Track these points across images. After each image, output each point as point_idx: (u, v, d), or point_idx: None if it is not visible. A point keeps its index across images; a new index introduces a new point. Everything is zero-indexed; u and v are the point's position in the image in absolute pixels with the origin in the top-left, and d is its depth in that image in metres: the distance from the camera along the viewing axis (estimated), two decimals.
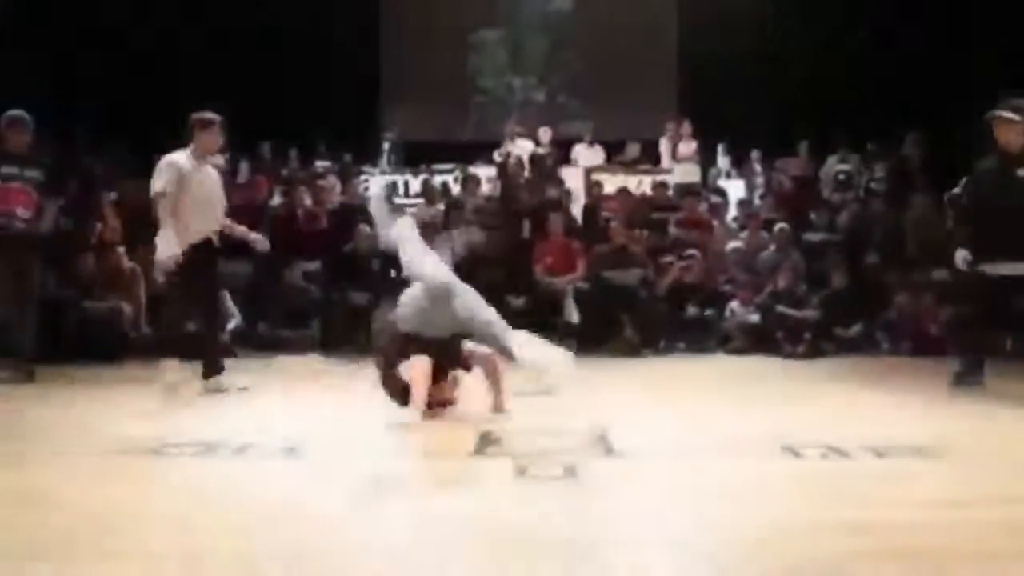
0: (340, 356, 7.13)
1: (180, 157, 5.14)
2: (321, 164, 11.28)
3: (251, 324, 7.50)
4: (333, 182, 9.83)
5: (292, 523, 2.48)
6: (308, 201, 8.95)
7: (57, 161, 8.01)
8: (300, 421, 4.13)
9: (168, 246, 4.94)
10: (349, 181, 9.81)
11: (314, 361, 6.95)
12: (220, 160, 11.07)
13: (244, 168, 10.39)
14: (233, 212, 5.62)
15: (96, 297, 7.03)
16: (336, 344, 7.46)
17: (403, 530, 2.45)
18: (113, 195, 7.96)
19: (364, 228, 8.03)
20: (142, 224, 7.83)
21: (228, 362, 6.74)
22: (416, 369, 3.96)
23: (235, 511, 2.61)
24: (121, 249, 7.35)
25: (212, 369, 5.16)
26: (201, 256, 5.09)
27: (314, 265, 8.14)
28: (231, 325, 7.24)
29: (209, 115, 5.33)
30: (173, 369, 5.03)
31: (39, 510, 2.61)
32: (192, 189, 5.08)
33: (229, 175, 10.54)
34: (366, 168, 11.66)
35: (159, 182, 5.04)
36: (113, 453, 3.39)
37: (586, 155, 11.64)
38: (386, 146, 12.19)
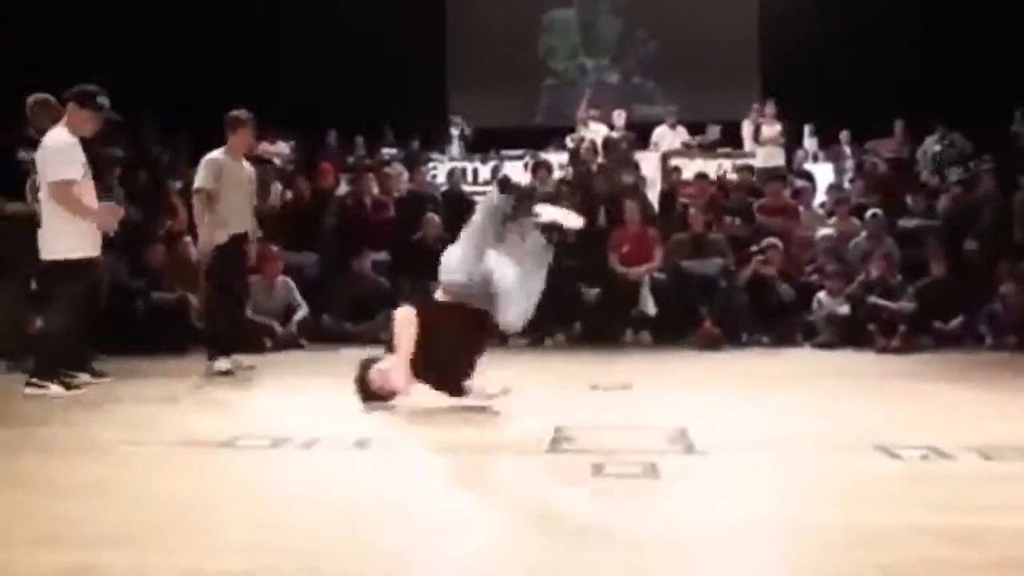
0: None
1: (218, 155, 5.64)
2: (388, 151, 11.41)
3: (317, 315, 7.63)
4: (400, 170, 9.93)
5: (365, 519, 2.51)
6: (375, 190, 9.05)
7: (127, 152, 8.28)
8: (368, 415, 4.18)
9: (206, 239, 5.47)
10: (417, 169, 9.88)
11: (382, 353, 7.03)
12: (286, 148, 11.33)
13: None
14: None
15: (165, 288, 7.23)
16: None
17: (479, 529, 2.46)
18: (179, 184, 8.18)
19: (432, 217, 8.08)
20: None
21: (295, 354, 6.92)
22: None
23: (305, 505, 2.65)
24: (188, 239, 7.55)
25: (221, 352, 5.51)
26: (234, 250, 5.57)
27: (382, 255, 8.23)
28: (298, 316, 7.38)
29: (240, 114, 5.74)
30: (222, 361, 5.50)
31: (113, 500, 2.70)
32: (230, 186, 5.55)
33: (295, 163, 10.76)
34: (434, 155, 11.74)
35: (198, 179, 5.55)
36: (181, 445, 3.49)
37: (669, 138, 11.49)
38: (454, 132, 12.26)
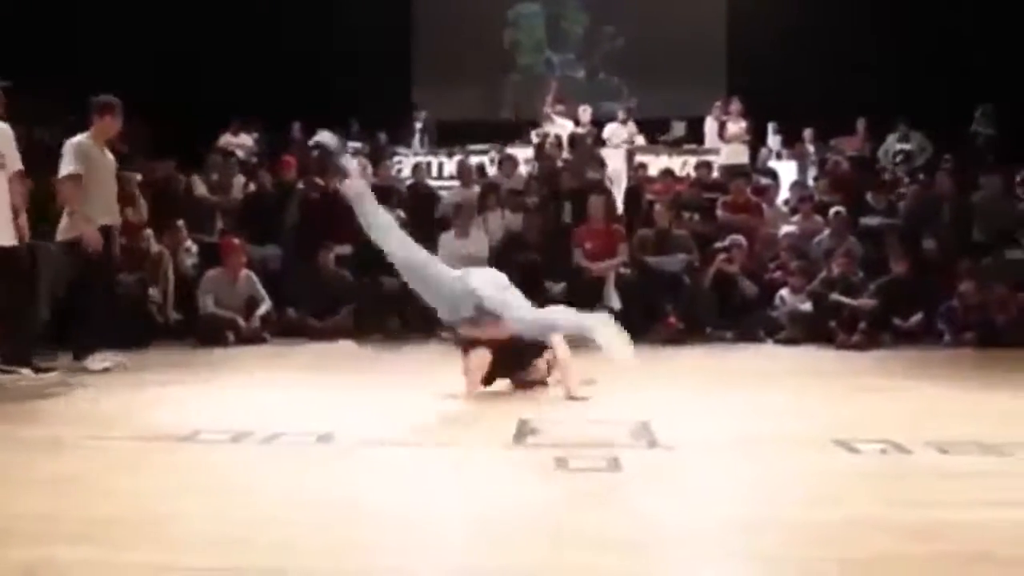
0: (372, 342, 7.18)
1: (83, 139, 5.42)
2: (352, 145, 11.34)
3: (281, 310, 7.57)
4: (365, 163, 9.88)
5: (330, 513, 2.50)
6: (339, 183, 8.98)
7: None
8: (332, 408, 4.16)
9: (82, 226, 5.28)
10: (382, 163, 9.84)
11: (346, 347, 7.01)
12: (249, 140, 11.22)
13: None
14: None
15: (124, 281, 7.13)
16: (368, 330, 7.52)
17: (444, 522, 2.46)
18: (139, 177, 8.06)
19: (399, 212, 8.06)
20: (168, 207, 7.97)
21: (258, 348, 6.86)
22: (473, 359, 4.44)
23: (268, 498, 2.64)
24: (149, 232, 7.45)
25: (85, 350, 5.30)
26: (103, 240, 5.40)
27: (346, 249, 8.19)
28: (261, 311, 7.31)
29: (109, 99, 5.54)
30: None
31: (74, 496, 2.67)
32: (96, 173, 5.38)
33: (258, 155, 10.65)
34: (400, 149, 11.69)
35: (67, 165, 5.31)
36: (143, 440, 3.45)
37: (620, 133, 11.55)
38: (419, 126, 12.22)
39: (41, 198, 5.73)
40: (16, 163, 4.96)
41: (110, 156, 5.63)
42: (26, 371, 4.78)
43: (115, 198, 5.68)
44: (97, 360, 5.35)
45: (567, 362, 4.47)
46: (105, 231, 5.49)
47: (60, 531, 2.31)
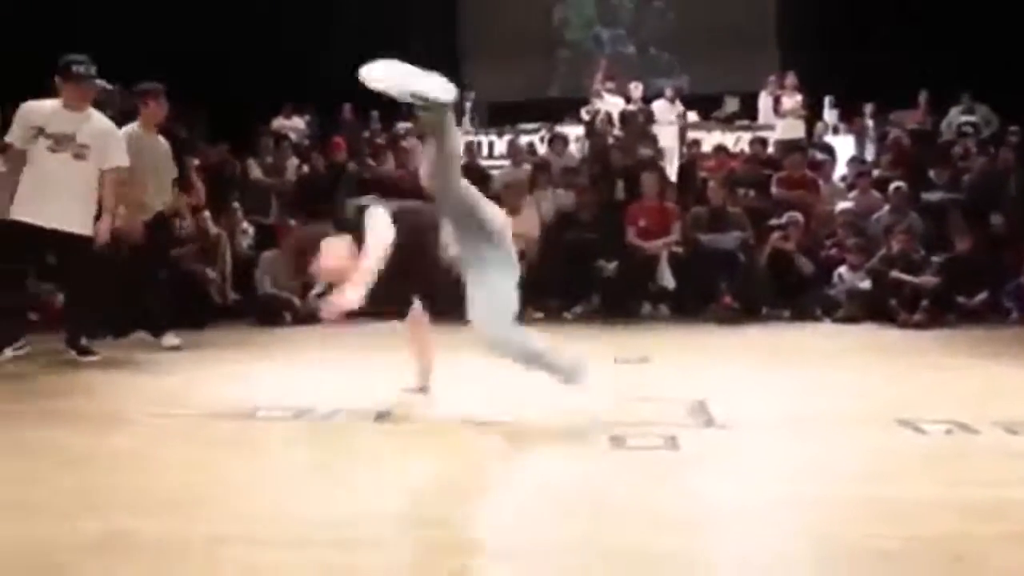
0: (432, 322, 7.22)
1: (133, 128, 5.53)
2: (403, 125, 11.39)
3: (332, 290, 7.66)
4: (415, 143, 9.93)
5: (386, 486, 2.54)
6: (391, 164, 9.07)
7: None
8: (390, 386, 4.21)
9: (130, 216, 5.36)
10: None
11: (399, 327, 7.07)
12: (301, 123, 11.34)
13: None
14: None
15: (184, 262, 7.29)
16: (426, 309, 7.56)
17: (500, 500, 2.49)
18: (196, 161, 8.21)
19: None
20: (223, 190, 8.11)
21: (314, 328, 6.96)
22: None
23: (330, 473, 2.69)
24: (207, 214, 7.59)
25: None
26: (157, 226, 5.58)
27: None
28: (316, 290, 7.41)
29: (150, 85, 5.65)
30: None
31: (138, 470, 2.75)
32: (145, 161, 5.46)
33: (310, 138, 10.77)
34: None
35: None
36: (204, 416, 3.54)
37: (667, 112, 11.42)
38: (468, 105, 12.22)
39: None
40: (113, 159, 5.08)
41: (162, 141, 5.72)
42: (88, 357, 4.95)
43: (168, 183, 5.79)
44: (169, 337, 5.52)
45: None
46: (158, 217, 5.62)
47: (131, 504, 2.39)
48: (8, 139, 5.06)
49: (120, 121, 5.42)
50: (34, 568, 1.95)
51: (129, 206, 5.46)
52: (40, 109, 4.99)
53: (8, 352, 4.92)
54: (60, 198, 4.91)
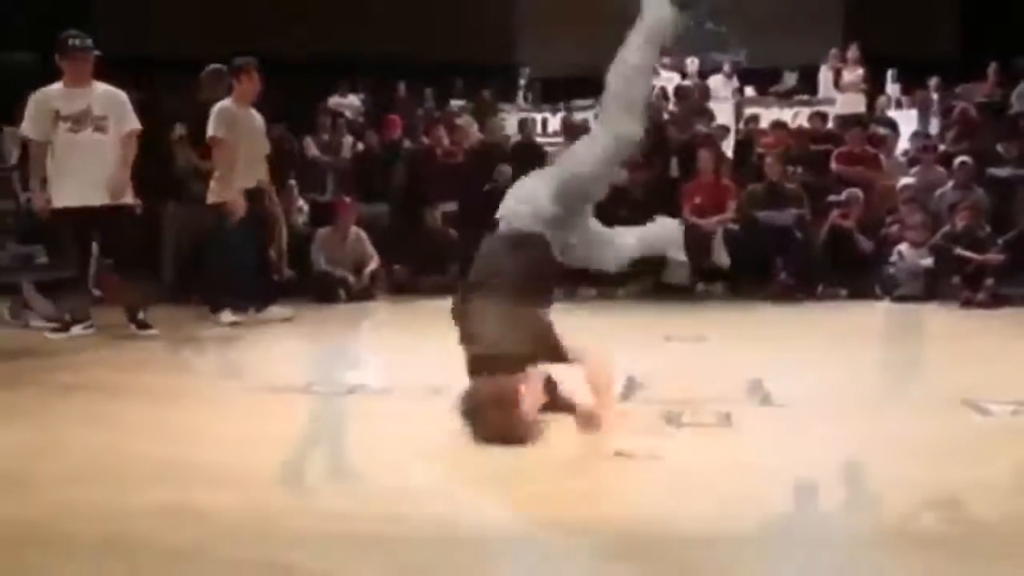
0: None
1: (228, 103, 5.64)
2: (456, 103, 11.39)
3: (389, 267, 7.72)
4: (470, 121, 9.92)
5: (437, 460, 2.56)
6: (445, 141, 9.07)
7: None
8: (442, 364, 4.23)
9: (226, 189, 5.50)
10: (487, 119, 9.85)
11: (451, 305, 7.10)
12: (356, 101, 11.39)
13: None
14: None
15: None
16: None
17: (554, 473, 2.49)
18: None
19: (504, 167, 8.07)
20: (281, 168, 8.19)
21: (368, 305, 7.04)
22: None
23: (385, 447, 2.72)
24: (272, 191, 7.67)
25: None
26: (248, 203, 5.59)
27: (452, 207, 8.26)
28: (370, 268, 7.48)
29: (243, 60, 5.72)
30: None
31: (207, 442, 2.82)
32: (241, 136, 5.57)
33: (365, 115, 10.82)
34: (503, 106, 11.67)
35: (211, 127, 5.54)
36: (263, 391, 3.60)
37: (724, 88, 11.21)
38: (522, 82, 12.16)
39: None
40: (127, 123, 5.14)
41: (256, 117, 5.81)
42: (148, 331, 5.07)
43: (262, 159, 5.86)
44: (228, 315, 5.60)
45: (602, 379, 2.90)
46: (254, 192, 5.71)
47: (196, 475, 2.45)
48: (27, 134, 5.11)
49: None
50: (100, 532, 2.01)
51: (222, 179, 5.56)
52: (50, 93, 5.04)
53: (77, 329, 5.06)
54: (95, 175, 4.98)
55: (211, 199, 5.67)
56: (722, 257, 7.48)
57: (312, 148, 8.95)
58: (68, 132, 4.99)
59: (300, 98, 10.18)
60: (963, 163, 7.88)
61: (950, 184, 7.87)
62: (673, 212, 7.67)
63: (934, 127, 10.07)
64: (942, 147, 8.81)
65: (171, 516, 2.11)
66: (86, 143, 5.00)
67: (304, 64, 10.89)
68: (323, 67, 11.00)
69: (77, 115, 5.00)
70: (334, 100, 11.05)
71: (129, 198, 5.15)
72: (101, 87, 5.13)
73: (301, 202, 8.19)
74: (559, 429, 2.84)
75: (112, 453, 2.67)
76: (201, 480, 2.40)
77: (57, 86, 5.07)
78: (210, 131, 5.60)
